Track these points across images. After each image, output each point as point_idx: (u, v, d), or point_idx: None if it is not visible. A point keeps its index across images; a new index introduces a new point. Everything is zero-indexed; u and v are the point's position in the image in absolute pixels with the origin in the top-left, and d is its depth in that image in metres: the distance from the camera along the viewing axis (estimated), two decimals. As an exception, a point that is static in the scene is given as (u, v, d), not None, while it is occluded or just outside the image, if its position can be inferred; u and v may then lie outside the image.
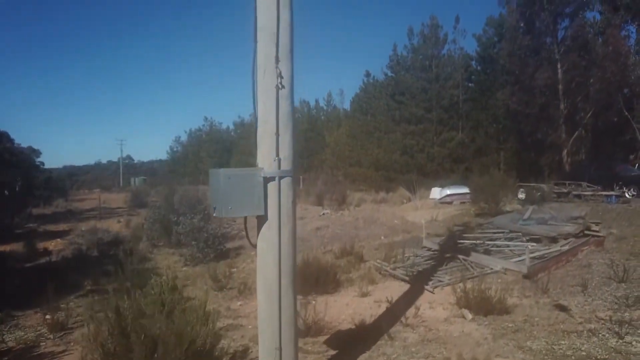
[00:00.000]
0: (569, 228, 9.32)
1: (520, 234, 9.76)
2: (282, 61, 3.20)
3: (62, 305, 6.51)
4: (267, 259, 3.25)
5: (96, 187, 65.59)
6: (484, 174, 18.24)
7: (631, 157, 24.85)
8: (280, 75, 3.20)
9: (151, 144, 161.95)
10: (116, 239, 12.83)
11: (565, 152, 26.51)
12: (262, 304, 3.31)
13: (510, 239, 9.57)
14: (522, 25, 27.40)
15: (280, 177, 3.20)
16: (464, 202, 18.26)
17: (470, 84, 33.75)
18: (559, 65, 26.15)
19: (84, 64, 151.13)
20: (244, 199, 3.12)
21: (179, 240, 10.27)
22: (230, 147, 63.13)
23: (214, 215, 3.31)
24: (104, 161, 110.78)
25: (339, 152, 37.87)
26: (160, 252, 11.40)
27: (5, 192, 23.68)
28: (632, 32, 25.56)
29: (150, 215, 12.28)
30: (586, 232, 9.23)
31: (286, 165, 3.24)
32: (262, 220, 3.23)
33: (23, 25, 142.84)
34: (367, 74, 40.15)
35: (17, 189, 25.27)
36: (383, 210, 16.09)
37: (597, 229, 9.46)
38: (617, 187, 16.43)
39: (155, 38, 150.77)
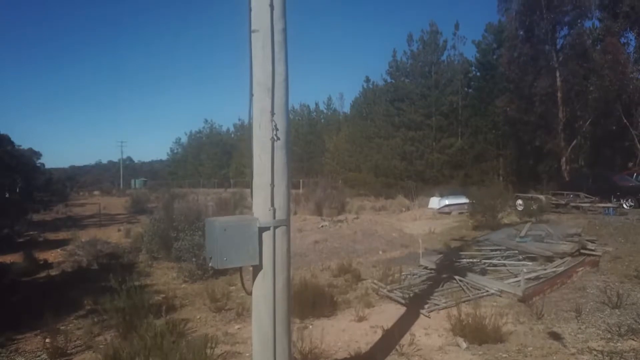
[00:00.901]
0: (565, 247, 9.39)
1: (516, 251, 9.84)
2: (277, 114, 3.27)
3: (61, 328, 6.56)
4: (261, 307, 3.32)
5: (96, 189, 65.77)
6: (483, 182, 18.28)
7: (630, 164, 24.92)
8: (275, 128, 3.26)
9: (151, 144, 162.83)
10: (116, 251, 12.90)
11: (563, 159, 26.60)
12: (256, 349, 3.37)
13: (507, 257, 9.65)
14: (521, 33, 27.50)
15: (275, 227, 3.27)
16: (462, 212, 18.29)
17: (469, 90, 33.84)
18: (557, 73, 26.25)
19: (85, 65, 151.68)
20: (239, 250, 3.18)
21: (178, 256, 10.34)
22: (230, 149, 63.35)
23: (210, 265, 3.39)
24: (104, 161, 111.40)
25: (339, 157, 38.01)
26: (160, 266, 11.45)
27: (6, 194, 23.80)
28: (631, 40, 25.68)
29: (150, 228, 12.36)
30: (582, 251, 9.31)
31: (281, 214, 3.31)
32: (257, 269, 3.30)
33: (23, 25, 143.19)
34: (367, 80, 40.36)
35: (17, 190, 25.40)
36: (382, 221, 16.15)
37: (593, 248, 9.53)
38: (614, 199, 16.49)
39: (157, 39, 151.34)
